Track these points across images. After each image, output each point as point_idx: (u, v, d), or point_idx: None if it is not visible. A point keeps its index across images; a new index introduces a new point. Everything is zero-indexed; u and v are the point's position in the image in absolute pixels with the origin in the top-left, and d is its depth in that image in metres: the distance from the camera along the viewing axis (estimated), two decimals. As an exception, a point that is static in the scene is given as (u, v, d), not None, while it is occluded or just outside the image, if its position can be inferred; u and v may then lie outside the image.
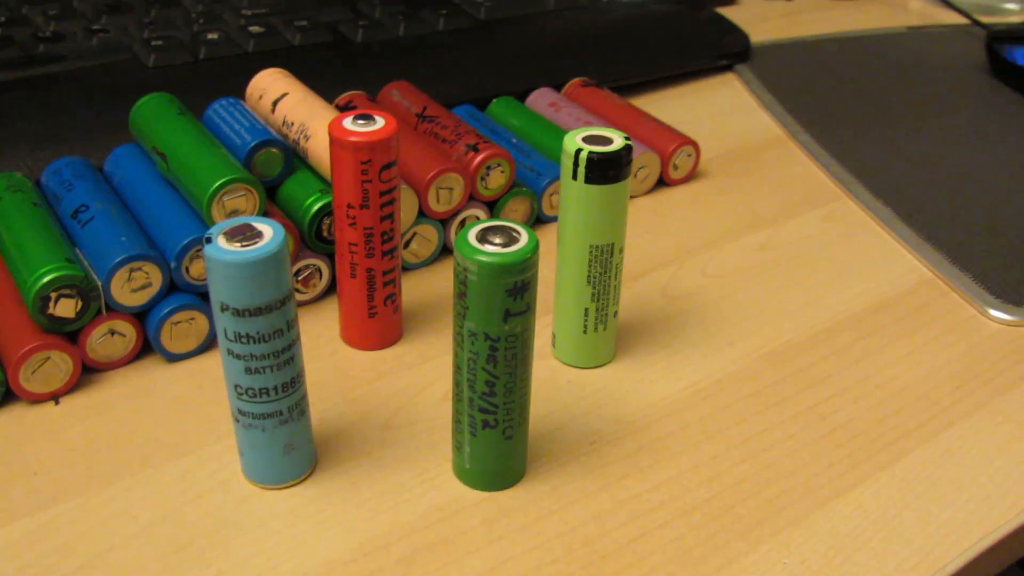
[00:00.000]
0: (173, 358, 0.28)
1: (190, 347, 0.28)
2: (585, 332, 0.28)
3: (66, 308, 0.26)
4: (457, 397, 0.23)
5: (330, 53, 0.38)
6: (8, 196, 0.28)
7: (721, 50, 0.47)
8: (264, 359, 0.22)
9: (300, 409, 0.23)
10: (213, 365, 0.28)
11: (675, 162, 0.37)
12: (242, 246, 0.21)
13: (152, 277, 0.26)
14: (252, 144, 0.29)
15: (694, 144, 0.37)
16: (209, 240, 0.21)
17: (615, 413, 0.27)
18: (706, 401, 0.27)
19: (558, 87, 0.41)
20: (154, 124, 0.29)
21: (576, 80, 0.40)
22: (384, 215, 0.27)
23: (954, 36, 0.52)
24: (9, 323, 0.26)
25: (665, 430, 0.26)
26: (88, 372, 0.27)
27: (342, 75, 0.37)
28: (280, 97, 0.31)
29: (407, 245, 0.31)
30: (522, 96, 0.40)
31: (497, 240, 0.21)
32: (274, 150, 0.30)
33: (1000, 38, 0.46)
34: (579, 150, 0.25)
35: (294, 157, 0.30)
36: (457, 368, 0.23)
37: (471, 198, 0.32)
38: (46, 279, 0.25)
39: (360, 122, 0.26)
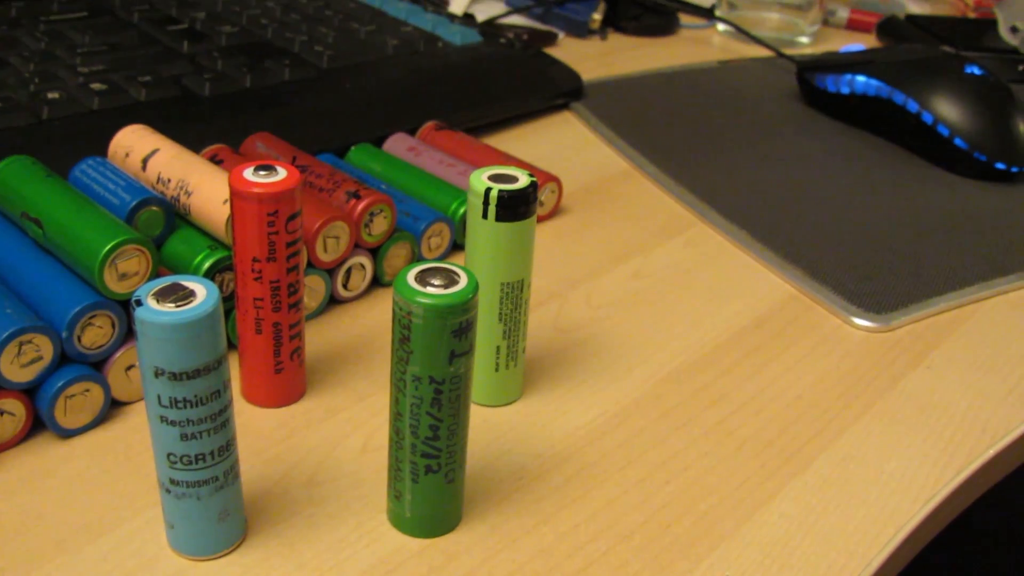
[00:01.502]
0: (68, 434, 0.26)
1: (86, 421, 0.26)
2: (496, 370, 0.28)
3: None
4: (397, 444, 0.23)
5: (179, 108, 0.37)
6: None
7: (556, 89, 0.48)
8: (201, 423, 0.21)
9: (234, 473, 0.22)
10: (111, 438, 0.26)
11: (541, 199, 0.38)
12: (176, 306, 0.20)
13: (43, 350, 0.25)
14: (133, 203, 0.28)
15: (557, 180, 0.38)
16: (139, 303, 0.20)
17: (536, 448, 0.27)
18: (619, 428, 0.28)
19: (411, 131, 0.41)
20: (20, 189, 0.27)
21: (429, 124, 0.41)
22: (290, 267, 0.26)
23: (762, 68, 0.56)
24: None
25: (587, 460, 0.27)
26: (-29, 459, 0.25)
27: (196, 129, 0.36)
28: (151, 154, 0.30)
29: (296, 298, 0.31)
30: (377, 143, 0.39)
31: (437, 281, 0.21)
32: (155, 208, 0.28)
33: (809, 68, 0.50)
34: (488, 189, 0.25)
35: (174, 215, 0.29)
36: (397, 415, 0.22)
37: (356, 246, 0.32)
38: (-74, 361, 0.23)
39: (262, 173, 0.25)
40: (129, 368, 0.27)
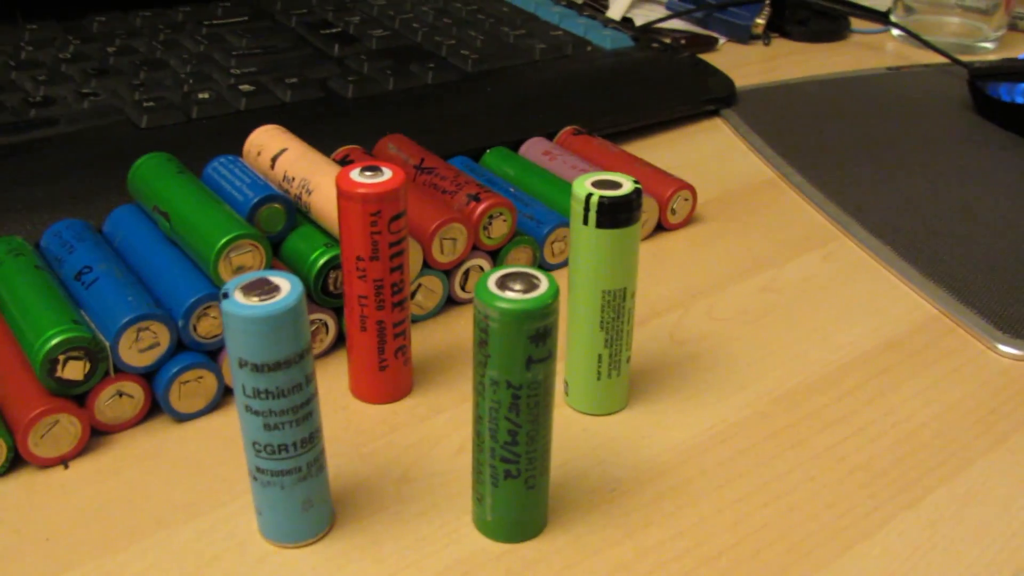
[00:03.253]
0: (182, 418, 0.27)
1: (199, 406, 0.27)
2: (599, 378, 0.27)
3: (74, 370, 0.25)
4: (478, 448, 0.23)
5: (321, 109, 0.38)
6: (10, 260, 0.28)
7: (706, 95, 0.47)
8: (283, 415, 0.22)
9: (319, 465, 0.23)
10: (223, 424, 0.27)
11: (673, 207, 0.37)
12: (260, 300, 0.21)
13: (160, 336, 0.26)
14: (255, 200, 0.29)
15: (690, 188, 0.37)
16: (226, 295, 0.21)
17: (633, 460, 0.26)
18: (723, 445, 0.27)
19: (550, 136, 0.41)
20: (154, 184, 0.29)
21: (568, 128, 0.41)
22: (394, 266, 0.26)
23: (934, 75, 0.53)
24: (16, 388, 0.26)
25: (685, 475, 0.26)
26: (97, 435, 0.27)
27: (335, 130, 0.37)
28: (279, 153, 0.31)
29: (412, 296, 0.31)
30: (515, 146, 0.40)
31: (517, 286, 0.21)
32: (277, 205, 0.29)
33: (982, 76, 0.47)
34: (589, 195, 0.25)
35: (296, 212, 0.30)
36: (478, 418, 0.22)
37: (474, 248, 0.32)
38: (54, 342, 0.25)
39: (368, 174, 0.26)
40: (243, 358, 0.28)
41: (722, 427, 0.28)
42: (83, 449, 0.26)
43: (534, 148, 0.39)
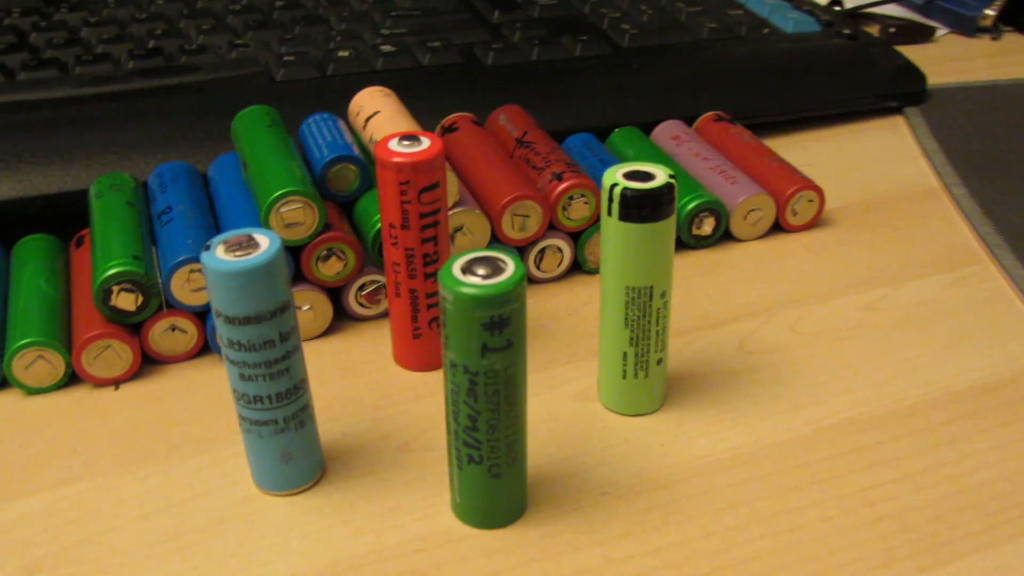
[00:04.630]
0: (225, 358, 0.29)
1: (242, 349, 0.29)
2: (624, 377, 0.26)
3: (126, 301, 0.27)
4: (447, 428, 0.23)
5: (456, 75, 0.39)
6: (108, 194, 0.30)
7: (888, 90, 0.43)
8: (256, 367, 0.22)
9: (299, 420, 0.24)
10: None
11: (794, 207, 0.34)
12: (235, 256, 0.21)
13: (208, 278, 0.28)
14: (327, 159, 0.30)
15: (817, 189, 0.34)
16: (208, 248, 0.22)
17: (640, 466, 0.25)
18: (743, 466, 0.25)
19: (691, 120, 0.39)
20: (244, 134, 0.31)
21: (709, 114, 0.39)
22: (426, 237, 0.26)
23: None
24: (82, 312, 0.28)
25: (686, 491, 0.24)
26: (153, 363, 0.29)
27: (463, 97, 0.37)
28: (372, 115, 0.32)
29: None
30: (652, 126, 0.38)
31: (481, 271, 0.21)
32: (350, 166, 0.30)
33: None
34: (614, 185, 0.24)
35: (371, 174, 0.31)
36: (446, 399, 0.22)
37: (552, 228, 0.31)
38: (109, 272, 0.27)
39: (406, 143, 0.26)
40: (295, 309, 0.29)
41: (751, 447, 0.26)
42: (135, 374, 0.28)
43: (665, 131, 0.38)
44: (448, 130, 0.35)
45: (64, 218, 0.33)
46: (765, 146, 0.37)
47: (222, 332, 0.22)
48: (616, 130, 0.38)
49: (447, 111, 0.36)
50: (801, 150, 0.41)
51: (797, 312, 0.31)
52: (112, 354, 0.28)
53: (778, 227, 0.35)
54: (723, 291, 0.32)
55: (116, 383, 0.28)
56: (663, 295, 0.25)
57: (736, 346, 0.30)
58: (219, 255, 0.21)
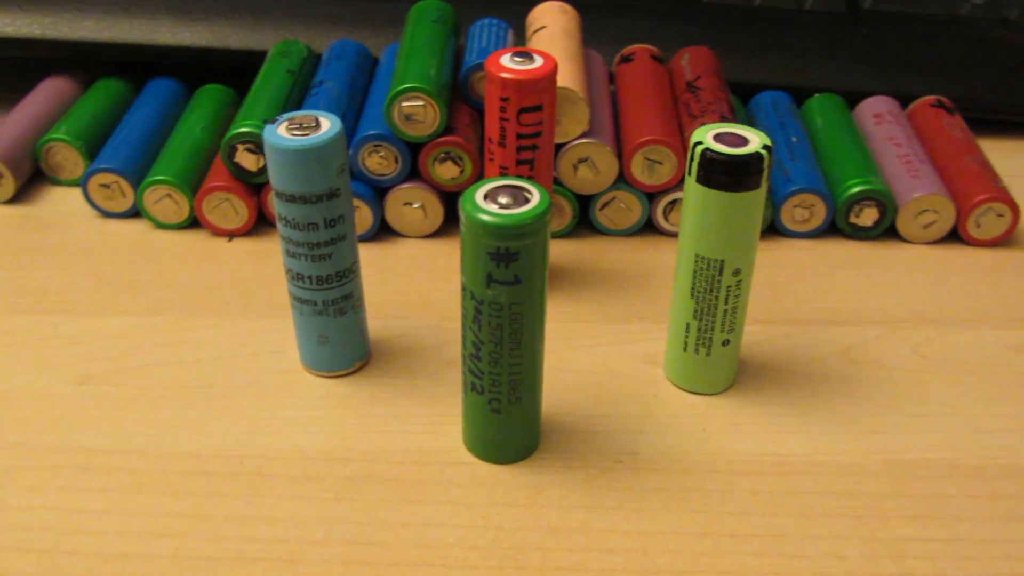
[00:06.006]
0: (329, 235, 0.30)
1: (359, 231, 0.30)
2: (684, 350, 0.25)
3: (248, 161, 0.29)
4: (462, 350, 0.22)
5: (670, 6, 0.37)
6: (276, 59, 0.32)
7: None
8: (299, 246, 0.23)
9: (339, 308, 0.24)
10: (368, 253, 0.29)
11: (978, 218, 0.30)
12: (292, 134, 0.22)
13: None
14: (471, 64, 0.29)
15: (1011, 204, 0.30)
16: (274, 121, 0.22)
17: (669, 445, 0.24)
18: (780, 477, 0.23)
19: (907, 101, 0.35)
20: (409, 25, 0.31)
21: (928, 98, 0.35)
22: (521, 159, 0.26)
23: None
24: (220, 163, 0.30)
25: (704, 484, 0.23)
26: (269, 225, 0.30)
27: (665, 31, 0.35)
28: (539, 29, 0.31)
29: (603, 208, 0.30)
30: (860, 100, 0.35)
31: (503, 200, 0.20)
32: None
33: None
34: (698, 143, 0.22)
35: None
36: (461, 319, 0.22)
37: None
38: (237, 131, 0.28)
39: (517, 59, 0.25)
40: (405, 204, 0.29)
41: (800, 460, 0.23)
42: (249, 231, 0.30)
43: (869, 108, 0.34)
44: (625, 59, 0.34)
45: (248, 74, 0.35)
46: (975, 145, 0.32)
47: (274, 204, 0.23)
48: (815, 95, 0.35)
49: (645, 41, 0.35)
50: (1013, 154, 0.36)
51: (928, 332, 0.28)
52: (229, 207, 0.29)
53: (957, 236, 0.31)
54: (856, 289, 0.29)
55: (230, 235, 0.30)
56: (736, 273, 0.23)
57: (841, 351, 0.27)
58: (280, 131, 0.22)
